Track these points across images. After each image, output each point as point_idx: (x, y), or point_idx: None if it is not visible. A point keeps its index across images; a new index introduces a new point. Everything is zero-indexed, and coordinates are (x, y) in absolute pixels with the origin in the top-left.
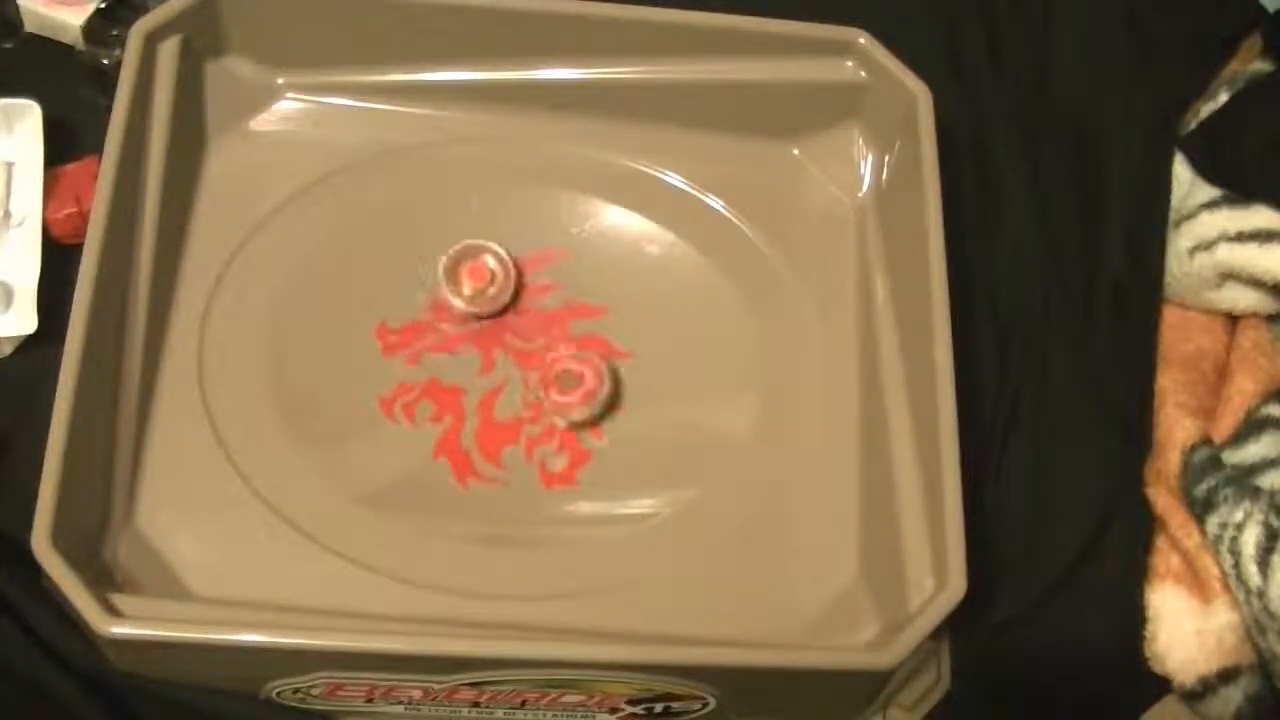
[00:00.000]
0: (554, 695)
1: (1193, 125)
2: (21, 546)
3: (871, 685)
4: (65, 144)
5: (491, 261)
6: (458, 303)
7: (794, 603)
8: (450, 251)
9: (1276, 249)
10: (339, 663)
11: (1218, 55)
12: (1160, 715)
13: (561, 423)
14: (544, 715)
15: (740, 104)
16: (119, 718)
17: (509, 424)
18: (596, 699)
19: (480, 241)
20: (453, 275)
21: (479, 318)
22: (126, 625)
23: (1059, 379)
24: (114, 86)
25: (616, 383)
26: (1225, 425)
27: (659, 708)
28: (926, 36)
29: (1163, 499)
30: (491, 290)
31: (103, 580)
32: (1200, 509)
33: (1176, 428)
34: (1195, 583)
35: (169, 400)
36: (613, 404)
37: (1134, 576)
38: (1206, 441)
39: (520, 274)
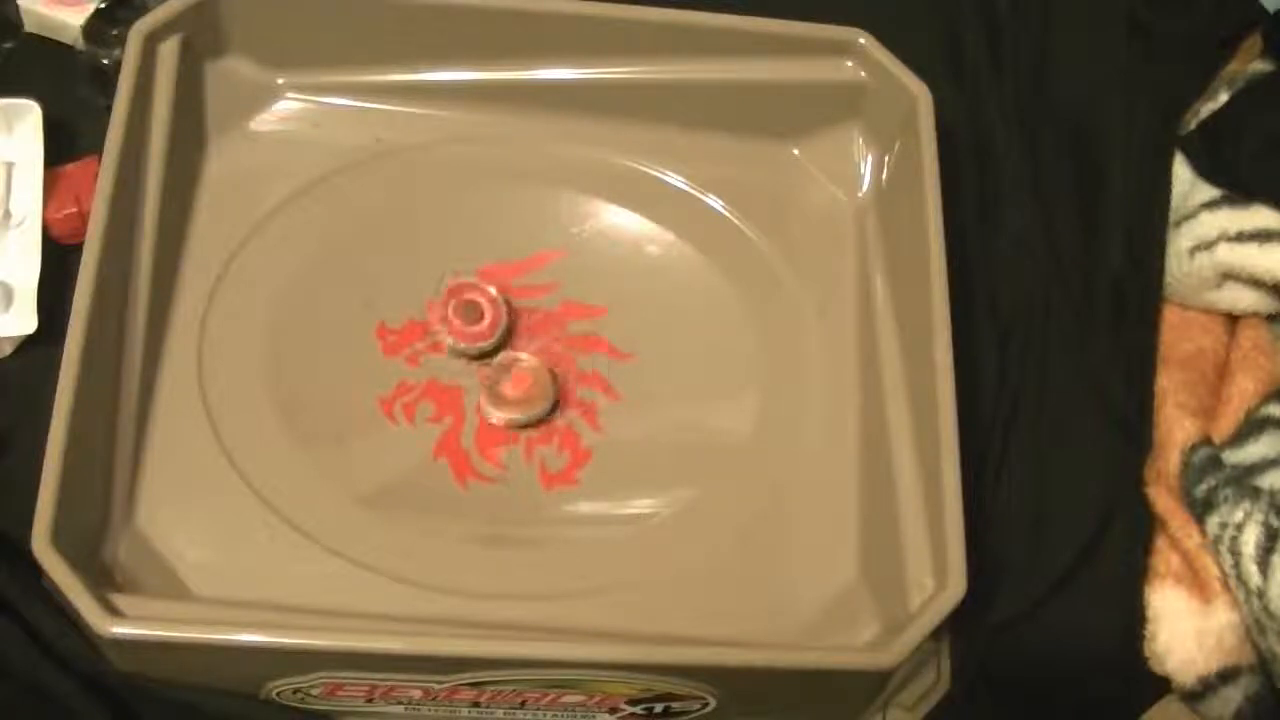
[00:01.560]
0: (554, 695)
1: (1193, 125)
2: (21, 546)
3: (871, 685)
4: (65, 144)
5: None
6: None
7: (794, 603)
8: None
9: (1276, 249)
10: (339, 663)
11: (1218, 55)
12: (1160, 715)
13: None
14: (544, 715)
15: (740, 104)
16: (119, 718)
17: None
18: (596, 699)
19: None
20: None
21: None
22: (126, 625)
23: (1059, 379)
24: (114, 86)
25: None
26: (1225, 425)
27: (659, 708)
28: (926, 36)
29: (1163, 499)
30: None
31: (103, 580)
32: (1200, 509)
33: (1176, 428)
34: (1195, 583)
35: (169, 400)
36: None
37: (1134, 576)
38: (1206, 441)
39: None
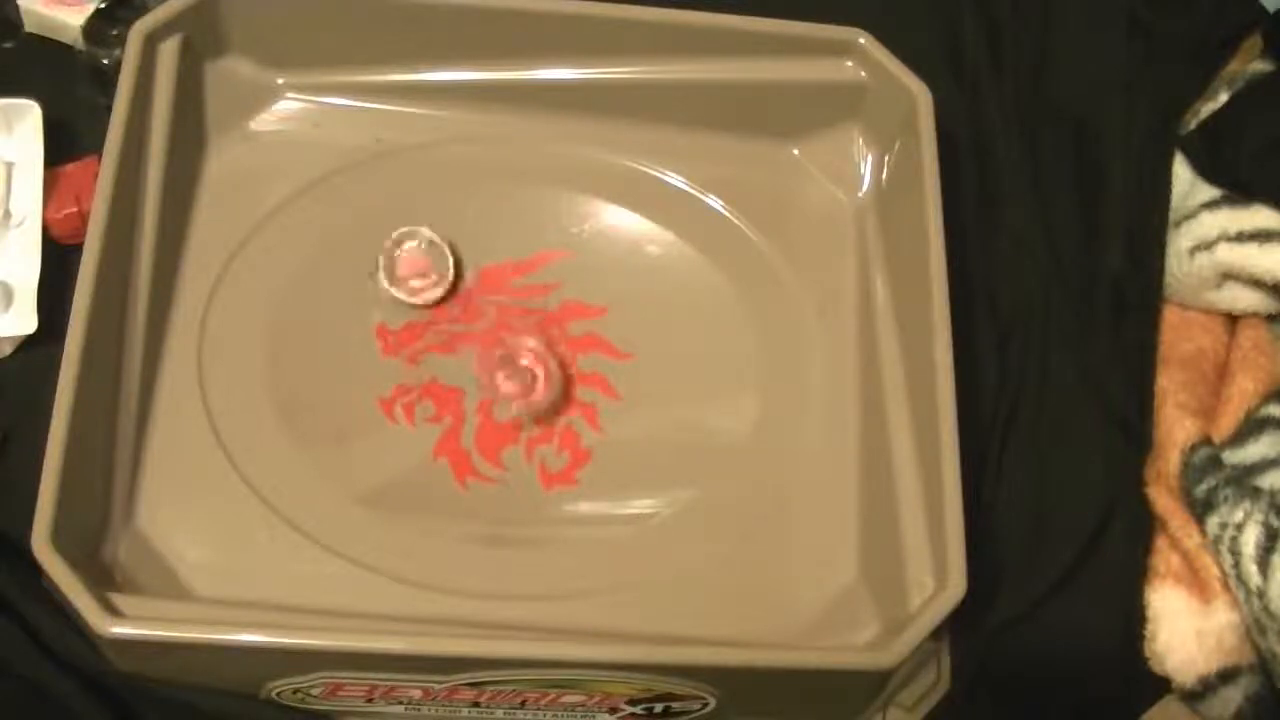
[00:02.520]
0: (554, 695)
1: (1193, 125)
2: (21, 546)
3: (871, 685)
4: (65, 144)
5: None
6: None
7: (794, 603)
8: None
9: (1276, 249)
10: (339, 663)
11: (1218, 55)
12: (1160, 715)
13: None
14: (544, 715)
15: (740, 104)
16: (119, 718)
17: (509, 424)
18: (596, 699)
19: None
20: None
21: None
22: (126, 625)
23: (1059, 379)
24: (114, 86)
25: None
26: (1225, 425)
27: (659, 708)
28: (926, 36)
29: (1163, 499)
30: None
31: (103, 580)
32: (1200, 509)
33: (1176, 428)
34: (1195, 583)
35: (169, 400)
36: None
37: (1134, 576)
38: (1206, 441)
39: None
